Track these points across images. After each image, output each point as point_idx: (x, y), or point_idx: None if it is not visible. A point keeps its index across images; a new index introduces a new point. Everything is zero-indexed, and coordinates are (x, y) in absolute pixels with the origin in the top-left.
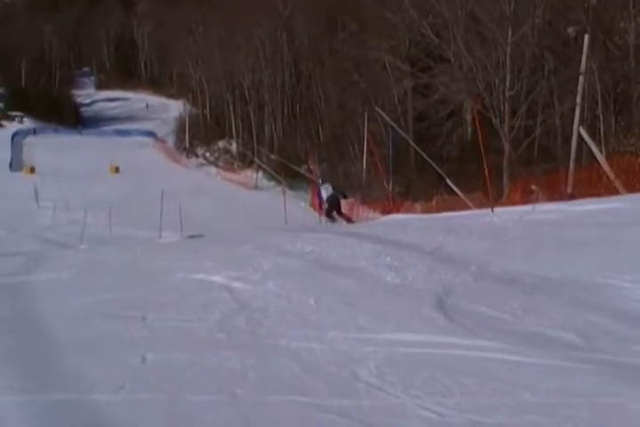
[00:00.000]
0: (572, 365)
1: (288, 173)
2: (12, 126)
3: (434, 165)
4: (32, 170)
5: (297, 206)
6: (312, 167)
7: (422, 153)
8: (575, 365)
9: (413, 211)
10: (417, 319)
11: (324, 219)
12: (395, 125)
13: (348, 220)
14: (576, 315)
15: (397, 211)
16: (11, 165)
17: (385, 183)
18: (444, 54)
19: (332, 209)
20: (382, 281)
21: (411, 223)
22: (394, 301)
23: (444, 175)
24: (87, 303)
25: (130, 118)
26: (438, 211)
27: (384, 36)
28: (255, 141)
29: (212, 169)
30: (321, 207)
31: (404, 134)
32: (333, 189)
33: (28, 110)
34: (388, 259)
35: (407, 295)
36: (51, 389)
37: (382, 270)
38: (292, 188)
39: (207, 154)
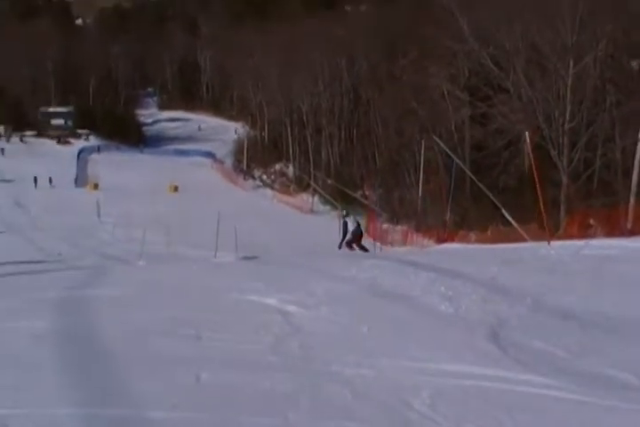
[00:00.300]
0: (631, 406)
1: (344, 198)
2: (79, 143)
3: (490, 195)
4: (95, 186)
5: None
6: (368, 193)
7: (478, 182)
8: (634, 406)
9: (468, 240)
10: (470, 350)
11: (347, 249)
12: (451, 154)
13: (365, 250)
14: (635, 355)
15: (452, 240)
16: (76, 181)
17: (446, 212)
18: (503, 84)
19: (354, 240)
20: (436, 310)
21: (465, 253)
22: (447, 330)
23: (499, 206)
24: (144, 320)
25: (190, 139)
26: (493, 241)
27: (444, 65)
28: (312, 165)
29: (269, 191)
30: (344, 239)
31: (460, 163)
32: (358, 224)
33: (94, 128)
34: (443, 288)
35: (460, 325)
36: (107, 403)
37: (436, 299)
38: (347, 212)
39: (264, 176)
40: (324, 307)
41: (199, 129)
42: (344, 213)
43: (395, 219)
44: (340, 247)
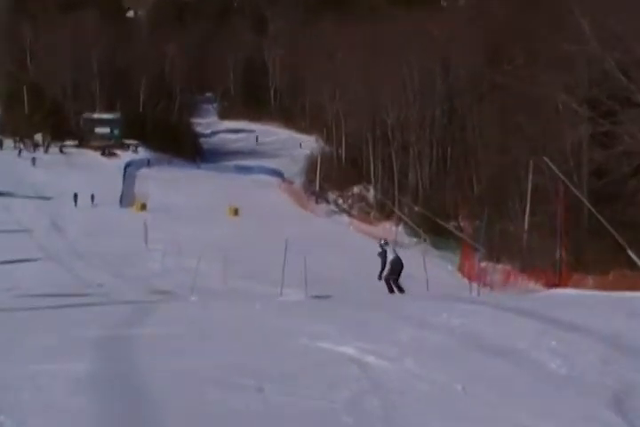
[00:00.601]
0: None
1: (433, 229)
2: (126, 156)
3: (612, 231)
4: (143, 206)
5: (442, 269)
6: (463, 224)
7: (598, 215)
8: None
9: (584, 286)
10: (589, 421)
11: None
12: (565, 180)
13: (401, 290)
14: None
15: (565, 284)
16: (121, 200)
17: (558, 250)
18: (632, 97)
19: (392, 275)
20: (546, 369)
21: (581, 301)
22: (560, 395)
23: (624, 245)
24: (197, 366)
25: (254, 153)
26: (616, 288)
27: (558, 72)
28: (396, 189)
29: (345, 218)
30: (470, 273)
31: (576, 192)
32: (397, 256)
33: (144, 139)
34: (553, 342)
35: (576, 389)
36: None
37: (545, 356)
38: (436, 246)
39: (340, 200)
40: (409, 359)
41: (256, 142)
42: (382, 241)
43: (495, 256)
44: (379, 278)
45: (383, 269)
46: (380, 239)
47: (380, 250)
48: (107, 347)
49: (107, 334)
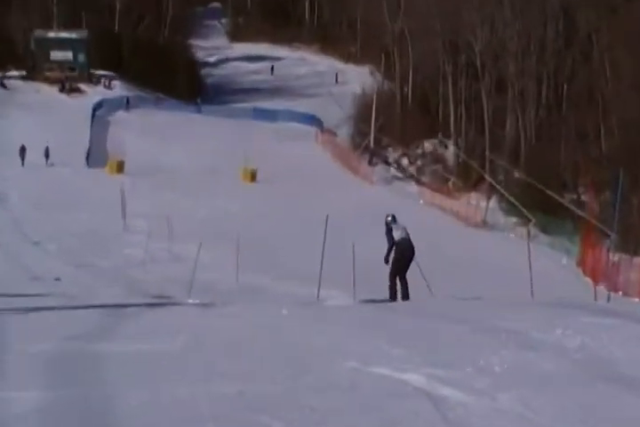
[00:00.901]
0: None
1: (540, 205)
2: (95, 93)
3: None
4: (119, 167)
5: (553, 263)
6: (587, 198)
7: None
8: None
9: None
10: None
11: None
12: None
13: (405, 295)
14: None
15: None
16: (88, 158)
17: None
18: None
19: (398, 266)
20: None
21: None
22: None
23: None
24: (198, 396)
25: (279, 91)
26: None
27: None
28: (487, 145)
29: (412, 187)
30: (595, 270)
31: None
32: (407, 235)
33: (121, 69)
34: None
35: None
36: None
37: None
38: (545, 230)
39: (404, 161)
40: (504, 394)
41: (271, 71)
42: (389, 217)
43: (632, 246)
44: (386, 261)
45: (389, 252)
46: (387, 214)
47: (386, 228)
48: (63, 369)
49: (64, 349)
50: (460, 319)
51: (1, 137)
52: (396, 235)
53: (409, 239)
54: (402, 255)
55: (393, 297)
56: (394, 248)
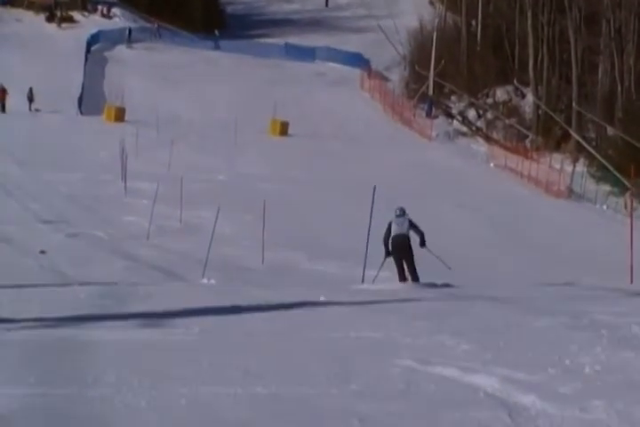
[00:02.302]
0: None
1: None
2: (90, 23)
3: None
4: (119, 114)
5: None
6: None
7: None
8: None
9: None
10: None
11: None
12: None
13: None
14: None
15: None
16: (81, 103)
17: None
18: None
19: (401, 256)
20: None
21: None
22: None
23: None
24: (221, 398)
25: (317, 24)
26: None
27: None
28: (574, 94)
29: (480, 145)
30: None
31: None
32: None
33: None
34: None
35: None
36: None
37: None
38: None
39: (471, 112)
40: (596, 402)
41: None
42: (397, 212)
43: None
44: (386, 254)
45: (385, 246)
46: (397, 208)
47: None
48: (49, 362)
49: (48, 336)
50: (549, 308)
51: None
52: (394, 229)
53: (405, 235)
54: (394, 251)
55: (402, 278)
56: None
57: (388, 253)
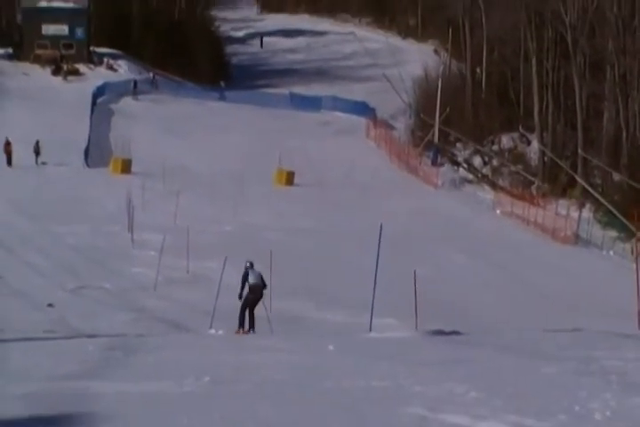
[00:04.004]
0: None
1: None
2: (97, 76)
3: None
4: (125, 166)
5: None
6: None
7: None
8: None
9: None
10: None
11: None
12: None
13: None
14: None
15: None
16: (87, 155)
17: None
18: None
19: (247, 303)
20: None
21: None
22: None
23: None
24: None
25: (323, 74)
26: None
27: None
28: (580, 140)
29: (486, 192)
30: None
31: None
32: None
33: (127, 46)
34: None
35: None
36: None
37: None
38: None
39: (476, 160)
40: None
41: (261, 45)
42: (247, 264)
43: None
44: (239, 297)
45: (242, 291)
46: (247, 261)
47: (244, 271)
48: (56, 413)
49: (60, 389)
50: (553, 356)
51: None
52: (251, 279)
53: (260, 285)
54: (253, 295)
55: (242, 325)
56: (247, 289)
57: (240, 296)
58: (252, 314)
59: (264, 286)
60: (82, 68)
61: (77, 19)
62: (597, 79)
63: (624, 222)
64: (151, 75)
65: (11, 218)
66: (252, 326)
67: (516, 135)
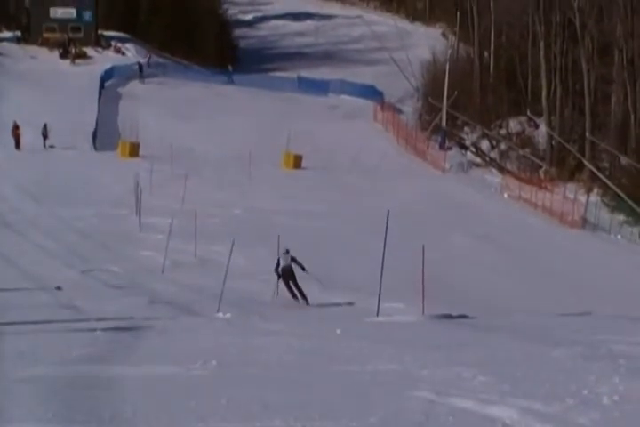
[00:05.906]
0: None
1: None
2: (104, 59)
3: None
4: (133, 150)
5: None
6: None
7: None
8: None
9: None
10: None
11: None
12: None
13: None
14: None
15: None
16: (95, 139)
17: None
18: None
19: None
20: None
21: None
22: None
23: None
24: None
25: (330, 58)
26: None
27: None
28: (588, 124)
29: (493, 176)
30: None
31: None
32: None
33: (135, 29)
34: None
35: None
36: None
37: None
38: None
39: (484, 144)
40: None
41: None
42: (283, 251)
43: None
44: (277, 275)
45: (277, 271)
46: (285, 249)
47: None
48: (65, 395)
49: (68, 373)
50: (561, 340)
51: None
52: (282, 263)
53: (289, 266)
54: (283, 275)
55: (294, 297)
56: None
57: (277, 275)
58: (296, 287)
59: (299, 267)
60: (90, 51)
61: (85, 2)
62: (605, 63)
63: (632, 206)
64: (148, 57)
65: (19, 201)
66: (302, 296)
67: (523, 119)
